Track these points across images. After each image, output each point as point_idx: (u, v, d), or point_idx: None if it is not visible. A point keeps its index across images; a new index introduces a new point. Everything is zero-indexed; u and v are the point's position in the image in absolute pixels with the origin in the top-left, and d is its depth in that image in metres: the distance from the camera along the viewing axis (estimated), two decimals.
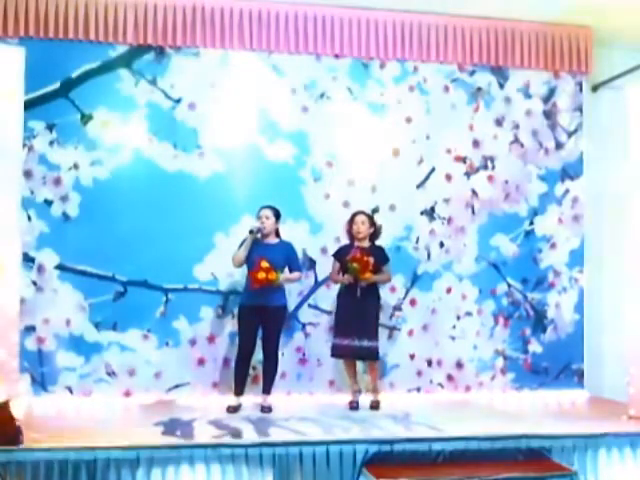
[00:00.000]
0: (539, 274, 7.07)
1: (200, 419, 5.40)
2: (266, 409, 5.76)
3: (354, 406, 6.01)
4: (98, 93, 6.34)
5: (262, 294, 5.73)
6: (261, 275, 5.66)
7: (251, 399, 5.96)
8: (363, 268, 5.90)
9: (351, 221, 6.18)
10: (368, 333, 5.98)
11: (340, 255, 6.12)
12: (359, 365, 6.24)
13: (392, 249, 6.66)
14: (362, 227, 6.11)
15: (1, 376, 5.05)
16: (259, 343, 5.93)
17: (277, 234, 6.02)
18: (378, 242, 6.23)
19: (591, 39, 7.12)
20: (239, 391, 5.87)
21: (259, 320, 5.82)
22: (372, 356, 6.05)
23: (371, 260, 5.93)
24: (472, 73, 7.02)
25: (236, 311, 6.16)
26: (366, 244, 6.12)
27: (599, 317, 7.12)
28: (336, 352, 6.08)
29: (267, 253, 5.79)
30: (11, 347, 5.19)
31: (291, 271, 5.96)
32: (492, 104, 7.06)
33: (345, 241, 6.47)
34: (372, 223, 6.16)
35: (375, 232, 6.19)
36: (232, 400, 5.84)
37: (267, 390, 5.90)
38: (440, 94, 6.96)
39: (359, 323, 5.97)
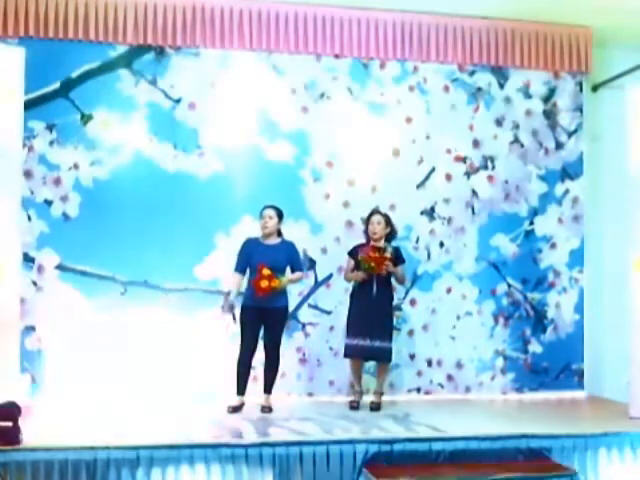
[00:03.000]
0: (539, 274, 7.07)
1: (201, 419, 5.39)
2: (266, 409, 5.76)
3: (354, 406, 6.00)
4: (98, 93, 6.34)
5: (264, 295, 5.74)
6: (264, 283, 5.66)
7: (251, 399, 5.95)
8: (378, 264, 5.89)
9: (367, 220, 6.18)
10: (382, 334, 5.97)
11: (355, 253, 6.11)
12: (364, 366, 6.23)
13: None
14: (378, 227, 6.09)
15: (1, 376, 5.05)
16: (260, 343, 5.93)
17: (279, 234, 6.01)
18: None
19: (591, 39, 7.12)
20: (241, 391, 5.87)
21: (261, 321, 5.82)
22: (385, 357, 6.04)
23: (387, 254, 5.92)
24: (472, 73, 7.02)
25: (236, 311, 6.15)
26: (381, 244, 6.10)
27: (599, 317, 7.12)
28: (349, 352, 6.04)
29: (268, 254, 5.79)
30: (11, 347, 5.18)
31: (293, 271, 5.96)
32: (492, 104, 7.06)
33: (345, 240, 6.50)
34: (388, 223, 6.13)
35: (391, 232, 6.17)
36: (234, 400, 5.85)
37: (268, 390, 5.90)
38: (440, 94, 6.96)
39: (373, 324, 5.96)
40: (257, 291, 5.68)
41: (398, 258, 6.13)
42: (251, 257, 5.85)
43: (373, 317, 5.96)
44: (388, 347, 6.00)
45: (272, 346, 5.88)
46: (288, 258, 5.93)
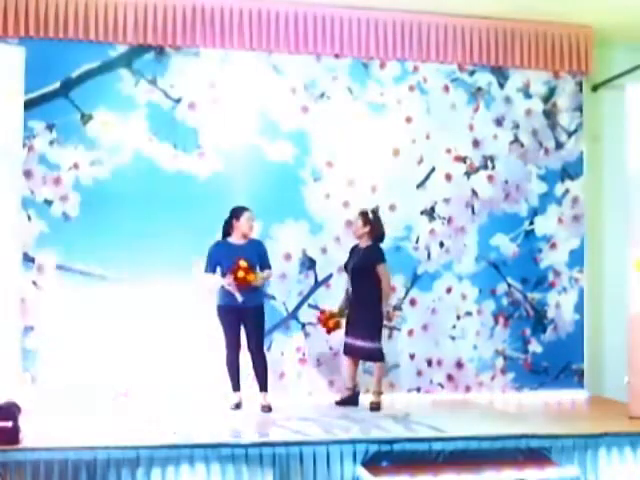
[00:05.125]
0: (539, 274, 7.07)
1: (201, 419, 5.39)
2: (266, 408, 5.77)
3: (338, 402, 6.02)
4: (98, 93, 6.35)
5: (232, 296, 5.75)
6: (240, 274, 5.68)
7: (251, 399, 5.96)
8: (328, 329, 6.10)
9: None
10: (364, 333, 5.96)
11: (352, 252, 6.19)
12: (361, 365, 6.25)
13: (392, 249, 6.67)
14: (354, 228, 6.16)
15: (1, 376, 5.05)
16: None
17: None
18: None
19: (591, 39, 7.12)
20: (237, 387, 5.92)
21: (239, 320, 5.85)
22: (374, 357, 6.03)
23: (334, 320, 6.05)
24: (472, 73, 7.03)
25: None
26: (364, 244, 6.11)
27: (599, 317, 7.12)
28: (345, 351, 6.11)
29: (240, 254, 5.78)
30: (11, 347, 5.18)
31: (262, 269, 5.95)
32: (492, 104, 7.07)
33: (345, 240, 6.56)
34: (366, 221, 6.11)
35: (373, 230, 6.12)
36: (233, 397, 5.89)
37: (264, 388, 5.90)
38: (440, 94, 6.97)
39: (356, 323, 5.99)
40: (235, 282, 5.69)
41: (374, 257, 6.03)
42: (222, 258, 5.84)
43: (355, 316, 6.00)
44: (374, 347, 5.96)
45: (255, 345, 5.89)
46: (259, 257, 5.93)
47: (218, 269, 5.88)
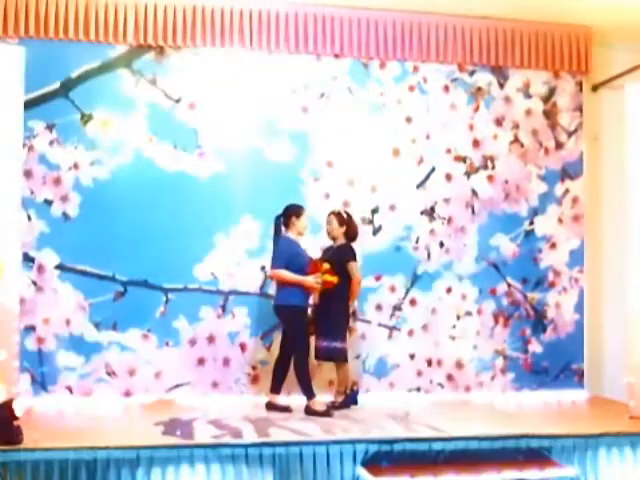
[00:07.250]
0: (539, 274, 7.07)
1: (200, 419, 5.41)
2: (283, 408, 5.80)
3: (329, 406, 5.93)
4: (98, 93, 6.35)
5: (308, 296, 5.87)
6: (327, 277, 5.80)
7: (252, 399, 5.97)
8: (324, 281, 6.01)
9: None
10: (334, 334, 5.93)
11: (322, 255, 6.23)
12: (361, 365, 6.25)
13: (392, 249, 6.70)
14: (328, 227, 6.16)
15: (1, 376, 5.05)
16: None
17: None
18: (382, 241, 6.20)
19: (591, 39, 7.12)
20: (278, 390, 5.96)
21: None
22: (337, 358, 5.99)
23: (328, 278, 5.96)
24: (472, 73, 7.03)
25: (245, 311, 6.34)
26: (337, 243, 6.12)
27: (599, 317, 7.12)
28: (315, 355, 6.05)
29: (305, 253, 5.90)
30: (11, 347, 5.18)
31: None
32: (492, 104, 7.07)
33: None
34: (342, 222, 6.11)
35: (348, 229, 6.12)
36: (273, 397, 5.93)
37: (279, 390, 5.95)
38: (440, 94, 6.97)
39: (327, 323, 5.95)
40: (323, 284, 5.78)
41: (342, 255, 6.03)
42: (292, 256, 5.83)
43: (322, 316, 5.98)
44: (337, 347, 5.93)
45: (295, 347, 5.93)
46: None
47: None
